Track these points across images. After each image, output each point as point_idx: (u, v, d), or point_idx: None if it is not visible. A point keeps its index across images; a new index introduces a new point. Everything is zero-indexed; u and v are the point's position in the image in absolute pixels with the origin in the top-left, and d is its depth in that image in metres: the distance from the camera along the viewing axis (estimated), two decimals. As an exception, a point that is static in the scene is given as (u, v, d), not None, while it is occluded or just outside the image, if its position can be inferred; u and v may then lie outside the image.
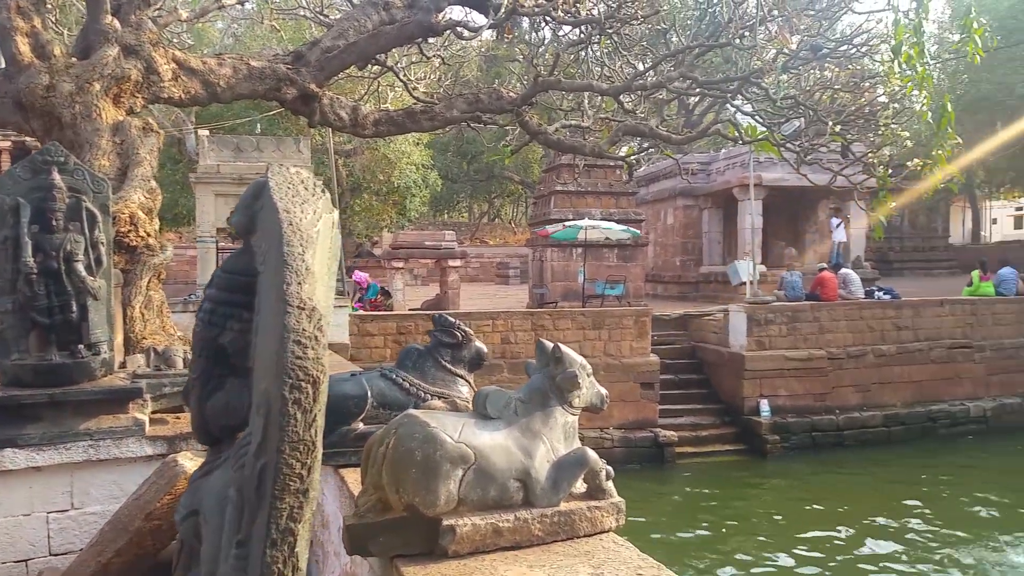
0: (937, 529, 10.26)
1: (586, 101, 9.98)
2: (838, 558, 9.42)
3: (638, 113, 9.98)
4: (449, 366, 3.14)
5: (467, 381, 3.18)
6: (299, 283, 1.68)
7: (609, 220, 17.37)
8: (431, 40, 8.73)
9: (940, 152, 8.50)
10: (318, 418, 1.70)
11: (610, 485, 2.43)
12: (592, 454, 2.36)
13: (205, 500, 2.16)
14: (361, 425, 3.04)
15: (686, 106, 28.80)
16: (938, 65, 23.00)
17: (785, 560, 9.37)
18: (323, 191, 2.04)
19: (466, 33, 7.28)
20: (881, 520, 10.64)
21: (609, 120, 10.60)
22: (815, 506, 11.51)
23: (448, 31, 7.08)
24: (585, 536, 2.32)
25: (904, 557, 9.38)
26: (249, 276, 2.00)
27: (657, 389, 14.09)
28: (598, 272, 17.72)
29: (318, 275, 1.77)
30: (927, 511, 11.00)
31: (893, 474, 12.97)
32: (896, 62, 7.67)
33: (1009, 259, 19.97)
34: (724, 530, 10.51)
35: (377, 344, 11.75)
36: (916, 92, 8.24)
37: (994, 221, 48.25)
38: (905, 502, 11.36)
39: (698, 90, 10.48)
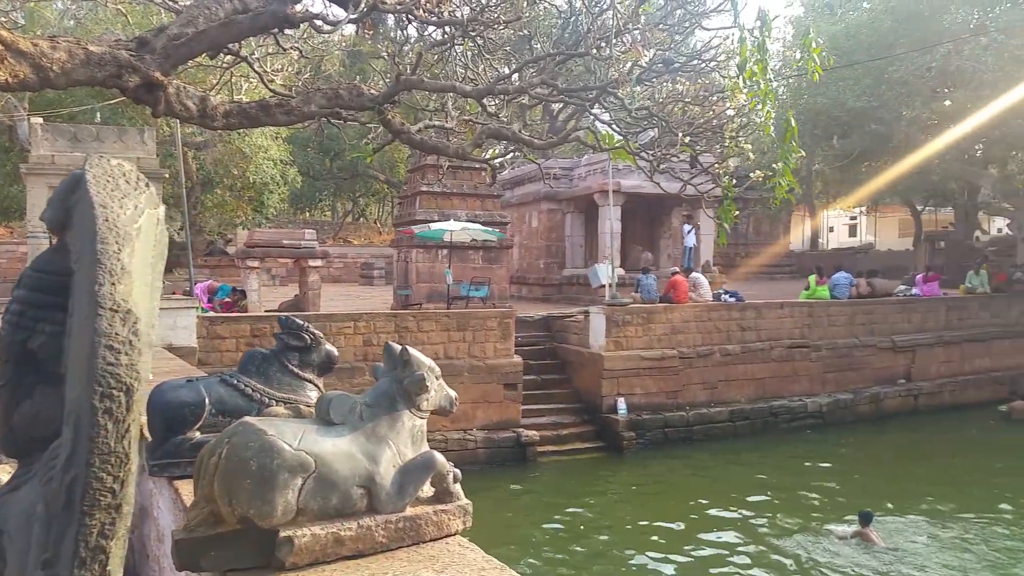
0: (775, 516, 10.95)
1: (450, 102, 9.97)
2: (687, 548, 9.87)
3: (502, 117, 10.06)
4: (296, 370, 3.02)
5: (316, 386, 3.07)
6: (113, 283, 1.56)
7: (475, 222, 17.46)
8: (289, 32, 8.43)
9: (785, 164, 8.96)
10: (132, 428, 1.58)
11: (457, 488, 2.41)
12: (439, 457, 2.33)
13: (11, 518, 1.97)
14: (198, 434, 2.88)
15: (551, 112, 29.42)
16: (783, 82, 24.70)
17: (636, 553, 9.71)
18: (147, 185, 1.90)
19: (325, 27, 7.09)
20: (727, 509, 11.24)
21: (473, 122, 10.61)
22: (667, 499, 12.02)
23: (306, 23, 6.86)
24: (431, 540, 2.29)
25: (745, 542, 9.95)
26: (62, 275, 1.84)
27: (520, 390, 14.28)
28: (463, 274, 17.76)
29: (137, 275, 1.65)
30: (767, 500, 11.71)
31: (737, 466, 13.75)
32: (741, 78, 8.09)
33: (843, 265, 21.70)
34: (582, 527, 10.77)
35: (228, 348, 11.23)
36: (760, 106, 8.72)
37: (831, 229, 52.23)
38: (748, 492, 12.05)
39: (559, 97, 10.67)
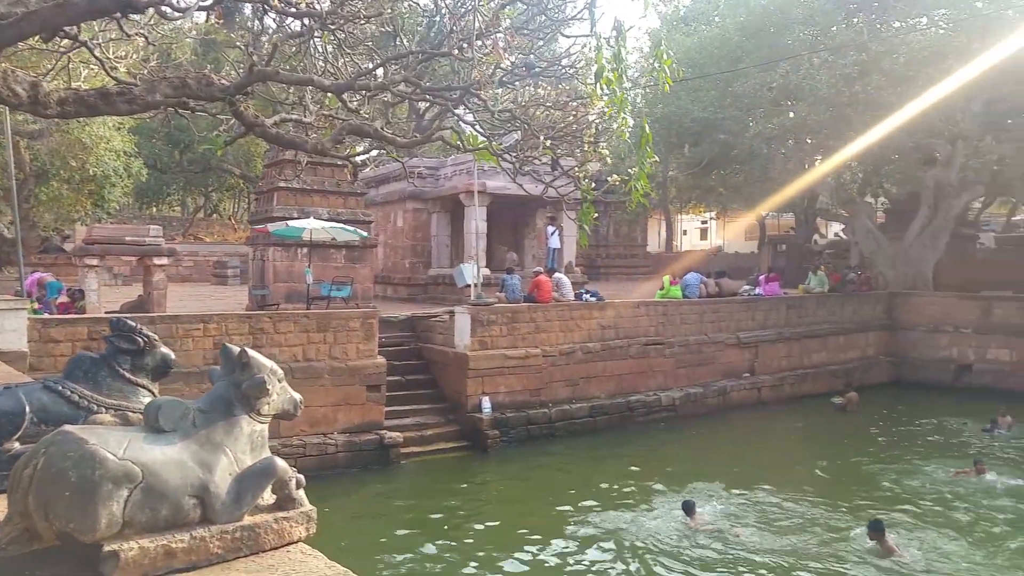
0: (631, 506, 11.37)
1: (308, 96, 9.71)
2: (550, 542, 10.07)
3: (363, 113, 9.89)
4: (128, 375, 2.85)
5: (151, 391, 2.91)
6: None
7: (337, 220, 17.08)
8: (135, 17, 7.94)
9: (640, 169, 9.27)
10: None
11: (301, 494, 2.35)
12: (280, 463, 2.26)
13: None
14: (17, 444, 2.66)
15: (416, 111, 29.27)
16: (639, 90, 25.69)
17: (500, 550, 9.82)
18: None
19: (172, 13, 6.73)
20: (587, 502, 11.57)
21: (333, 118, 10.40)
22: (530, 495, 12.24)
23: (151, 8, 6.48)
24: (272, 549, 2.22)
25: (603, 534, 10.26)
26: None
27: (384, 391, 14.10)
28: (325, 273, 17.35)
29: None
30: (624, 491, 12.12)
31: (597, 460, 14.17)
32: (598, 85, 8.34)
33: (694, 266, 22.83)
34: (446, 527, 10.77)
35: (64, 352, 10.39)
36: (617, 113, 8.99)
37: (684, 232, 54.90)
38: (607, 484, 12.44)
39: (422, 96, 10.63)
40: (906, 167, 25.00)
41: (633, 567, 9.36)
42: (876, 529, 9.61)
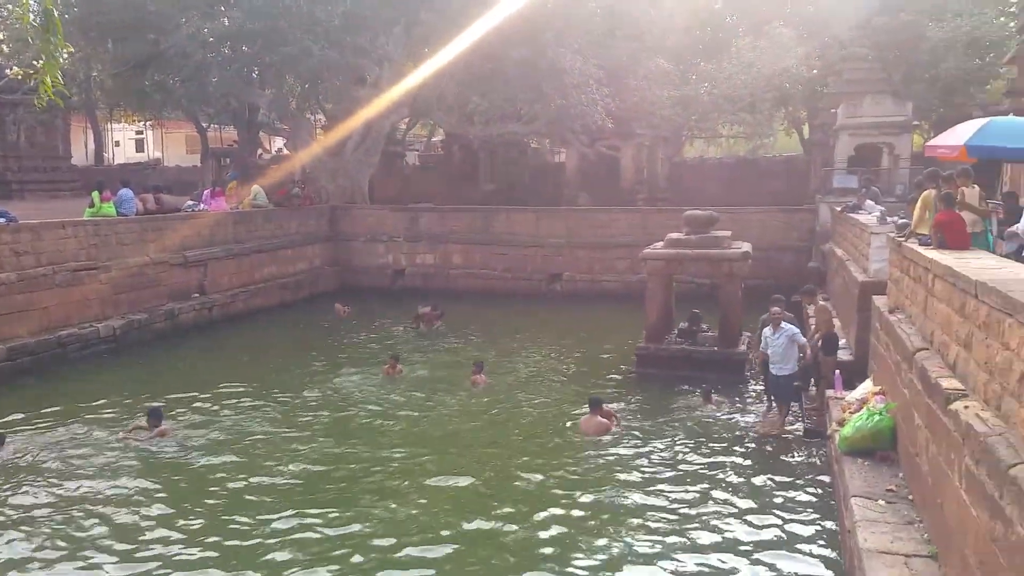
0: (77, 448, 10.05)
1: None
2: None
3: None
4: None
5: None
6: None
7: None
8: None
9: (50, 60, 7.95)
10: None
11: None
12: None
13: None
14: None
15: None
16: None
17: None
18: None
19: None
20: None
21: None
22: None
23: None
24: None
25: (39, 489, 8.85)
26: None
27: None
28: None
29: None
30: (61, 437, 10.60)
31: (16, 411, 12.03)
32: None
33: (131, 181, 20.69)
34: None
35: None
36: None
37: (117, 144, 49.61)
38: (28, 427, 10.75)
39: None
40: (341, 85, 26.23)
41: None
42: (154, 415, 10.58)
